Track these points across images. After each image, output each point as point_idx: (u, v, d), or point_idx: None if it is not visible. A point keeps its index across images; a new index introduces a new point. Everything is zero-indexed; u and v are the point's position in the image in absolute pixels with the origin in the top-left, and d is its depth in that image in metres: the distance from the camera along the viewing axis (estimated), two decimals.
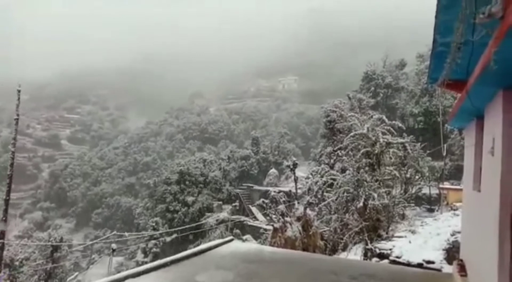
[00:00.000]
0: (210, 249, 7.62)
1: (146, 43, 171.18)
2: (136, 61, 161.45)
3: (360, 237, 13.19)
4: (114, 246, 16.46)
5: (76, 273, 49.15)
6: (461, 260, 6.15)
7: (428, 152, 26.19)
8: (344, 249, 14.79)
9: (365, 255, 12.35)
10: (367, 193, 12.79)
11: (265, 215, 23.40)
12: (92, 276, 42.25)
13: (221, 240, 8.17)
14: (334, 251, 15.67)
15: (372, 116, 15.67)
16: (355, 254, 14.34)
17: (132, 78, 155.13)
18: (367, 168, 13.82)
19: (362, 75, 50.45)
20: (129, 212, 73.13)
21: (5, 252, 28.71)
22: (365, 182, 13.14)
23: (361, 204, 12.70)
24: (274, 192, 18.29)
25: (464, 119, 6.02)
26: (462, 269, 5.82)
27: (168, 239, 45.56)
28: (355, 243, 13.88)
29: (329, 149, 22.21)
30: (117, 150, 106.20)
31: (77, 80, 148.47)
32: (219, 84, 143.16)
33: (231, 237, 8.54)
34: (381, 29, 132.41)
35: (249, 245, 8.70)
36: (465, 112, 5.45)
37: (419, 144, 21.09)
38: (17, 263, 28.57)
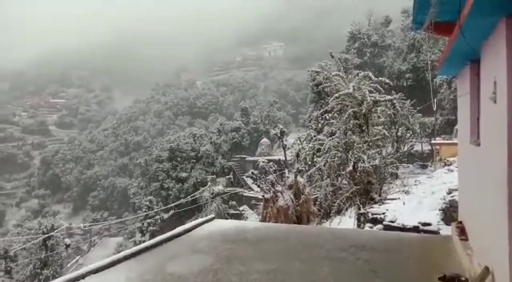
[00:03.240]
0: (188, 230, 7.00)
1: (124, 21, 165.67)
2: (115, 39, 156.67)
3: (353, 200, 12.71)
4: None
5: (78, 257, 49.33)
6: (460, 222, 5.59)
7: (418, 108, 25.59)
8: (338, 213, 14.39)
9: (358, 220, 11.90)
10: (356, 156, 12.20)
11: (257, 185, 22.95)
12: (93, 258, 42.31)
13: (200, 220, 7.55)
14: (328, 215, 15.28)
15: (358, 74, 14.87)
16: (349, 217, 13.94)
17: (114, 57, 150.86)
18: (355, 129, 13.17)
19: (347, 36, 49.16)
20: (125, 192, 72.79)
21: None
22: (354, 144, 12.53)
23: (351, 167, 12.13)
24: (263, 162, 17.70)
25: (456, 64, 5.28)
26: (462, 232, 5.26)
27: (165, 216, 45.43)
28: (348, 207, 13.42)
29: (316, 113, 21.52)
30: (107, 131, 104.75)
31: (56, 63, 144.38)
32: (203, 56, 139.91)
33: (212, 216, 7.93)
34: None
35: (232, 223, 8.12)
36: (458, 56, 4.71)
37: (408, 100, 20.39)
38: (11, 254, 28.15)
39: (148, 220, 39.92)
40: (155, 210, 41.30)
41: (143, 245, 6.18)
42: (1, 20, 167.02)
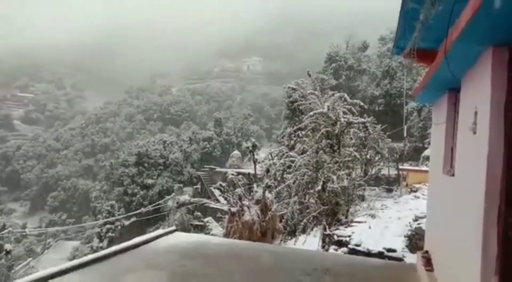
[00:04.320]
0: (146, 242, 6.59)
1: (105, 20, 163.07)
2: (94, 38, 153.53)
3: (319, 220, 12.58)
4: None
5: (30, 259, 46.71)
6: (427, 252, 5.49)
7: (388, 133, 26.10)
8: (304, 232, 14.24)
9: (323, 241, 11.75)
10: (326, 176, 12.12)
11: (224, 198, 22.61)
12: (46, 262, 40.21)
13: (160, 231, 7.16)
14: (293, 233, 15.09)
15: (333, 95, 14.95)
16: (314, 236, 13.79)
17: (91, 56, 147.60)
18: (327, 149, 13.14)
19: (325, 57, 49.99)
20: (86, 195, 70.35)
21: None
22: (324, 164, 12.46)
23: (320, 187, 12.03)
24: (232, 174, 17.35)
25: (434, 92, 5.23)
26: (428, 262, 5.14)
27: (126, 223, 44.00)
28: (313, 227, 13.28)
29: (289, 130, 21.52)
30: (74, 131, 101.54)
31: (30, 56, 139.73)
32: (182, 64, 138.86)
33: (173, 228, 7.55)
34: (346, 13, 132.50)
35: (193, 237, 7.77)
36: (437, 83, 4.64)
37: (379, 125, 20.73)
38: None
39: (108, 226, 38.48)
40: (116, 216, 39.90)
41: (95, 255, 5.74)
42: None
